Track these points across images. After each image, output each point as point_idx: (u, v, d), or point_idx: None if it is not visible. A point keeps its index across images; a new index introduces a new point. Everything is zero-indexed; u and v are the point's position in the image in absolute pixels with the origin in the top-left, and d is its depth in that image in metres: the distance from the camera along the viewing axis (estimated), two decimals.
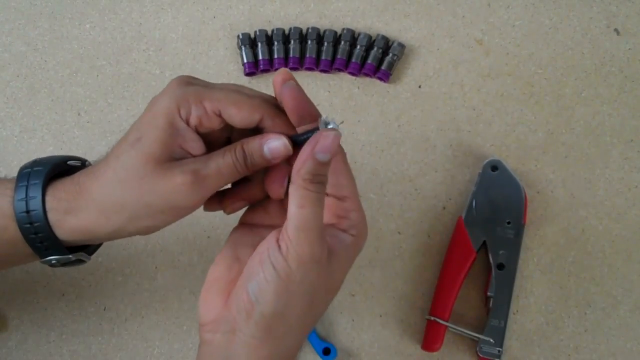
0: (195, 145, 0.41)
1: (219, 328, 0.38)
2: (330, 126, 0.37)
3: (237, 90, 0.41)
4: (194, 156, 0.41)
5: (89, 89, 0.67)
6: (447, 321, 0.57)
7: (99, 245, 0.48)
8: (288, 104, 0.40)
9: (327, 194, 0.40)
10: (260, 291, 0.36)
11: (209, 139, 0.42)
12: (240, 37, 0.67)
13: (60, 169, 0.44)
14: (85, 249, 0.46)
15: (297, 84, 0.40)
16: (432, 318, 0.57)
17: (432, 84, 0.66)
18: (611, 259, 0.60)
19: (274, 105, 0.41)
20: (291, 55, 0.66)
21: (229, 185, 0.44)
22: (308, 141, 0.37)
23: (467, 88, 0.66)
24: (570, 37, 0.67)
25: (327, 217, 0.41)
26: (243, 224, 0.44)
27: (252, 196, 0.44)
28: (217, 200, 0.44)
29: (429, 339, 0.57)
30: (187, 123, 0.40)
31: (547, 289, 0.60)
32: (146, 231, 0.42)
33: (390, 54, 0.66)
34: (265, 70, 0.67)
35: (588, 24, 0.67)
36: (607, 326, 0.59)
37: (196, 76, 0.69)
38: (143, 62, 0.68)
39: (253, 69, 0.66)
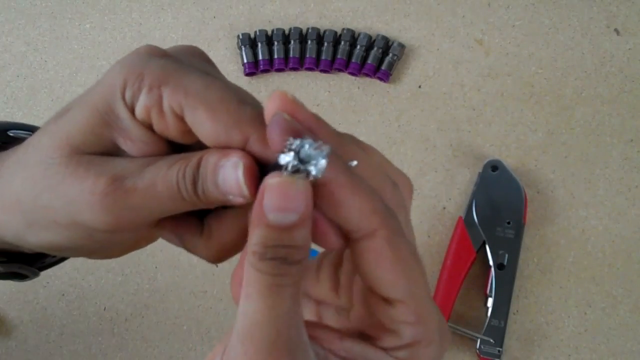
0: (137, 144, 0.27)
1: None
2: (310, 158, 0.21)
3: (225, 89, 0.26)
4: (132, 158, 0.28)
5: None
6: (447, 321, 0.57)
7: (57, 261, 0.37)
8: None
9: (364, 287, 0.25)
10: None
11: (174, 142, 0.28)
12: (240, 37, 0.67)
13: None
14: (30, 261, 0.35)
15: (290, 118, 0.24)
16: None
17: (432, 84, 0.66)
18: (611, 259, 0.60)
19: None
20: (291, 55, 0.66)
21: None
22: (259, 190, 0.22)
23: (467, 88, 0.66)
24: (570, 37, 0.67)
25: (359, 322, 0.26)
26: None
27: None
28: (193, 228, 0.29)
29: None
30: (133, 112, 0.27)
31: (547, 289, 0.60)
32: (50, 248, 0.30)
33: (390, 54, 0.66)
34: (266, 71, 0.67)
35: (588, 24, 0.67)
36: (607, 326, 0.59)
37: None
38: None
39: (253, 69, 0.66)
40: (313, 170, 0.21)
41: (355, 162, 0.23)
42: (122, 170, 0.27)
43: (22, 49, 0.69)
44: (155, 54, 0.28)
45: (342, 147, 0.24)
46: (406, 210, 0.26)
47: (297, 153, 0.21)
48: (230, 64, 0.67)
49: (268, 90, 0.66)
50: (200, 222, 0.28)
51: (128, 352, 0.60)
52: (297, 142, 0.21)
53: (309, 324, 0.24)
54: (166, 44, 0.68)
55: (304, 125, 0.23)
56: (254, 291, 0.22)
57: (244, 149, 0.25)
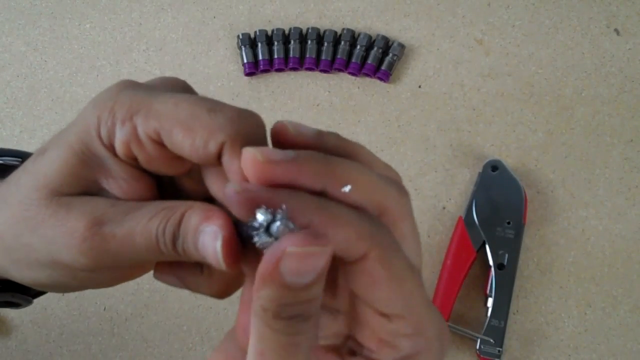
0: (119, 182, 0.27)
1: None
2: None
3: (195, 102, 0.25)
4: (118, 199, 0.27)
5: (89, 89, 0.67)
6: (447, 321, 0.57)
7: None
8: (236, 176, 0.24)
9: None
10: None
11: (159, 176, 0.27)
12: (240, 37, 0.67)
13: None
14: (23, 288, 0.35)
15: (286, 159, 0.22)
16: None
17: (432, 84, 0.66)
18: (611, 259, 0.60)
19: (246, 130, 0.25)
20: (291, 55, 0.66)
21: None
22: (268, 250, 0.20)
23: (467, 88, 0.66)
24: (570, 37, 0.67)
25: (353, 329, 0.25)
26: None
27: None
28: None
29: None
30: (113, 150, 0.26)
31: (547, 289, 0.60)
32: (33, 284, 0.30)
33: (390, 54, 0.66)
34: (266, 71, 0.67)
35: (588, 24, 0.67)
36: (607, 326, 0.59)
37: (196, 76, 0.69)
38: (143, 62, 0.68)
39: (253, 69, 0.66)
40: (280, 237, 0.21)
41: (348, 188, 0.23)
42: (102, 214, 0.26)
43: (22, 49, 0.69)
44: (128, 86, 0.27)
45: (333, 170, 0.23)
46: (411, 217, 0.25)
47: (266, 228, 0.21)
48: (230, 64, 0.67)
49: (268, 90, 0.66)
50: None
51: (128, 352, 0.60)
52: (263, 218, 0.21)
53: (316, 351, 0.24)
54: (166, 44, 0.68)
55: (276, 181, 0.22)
56: (269, 350, 0.21)
57: (220, 163, 0.25)
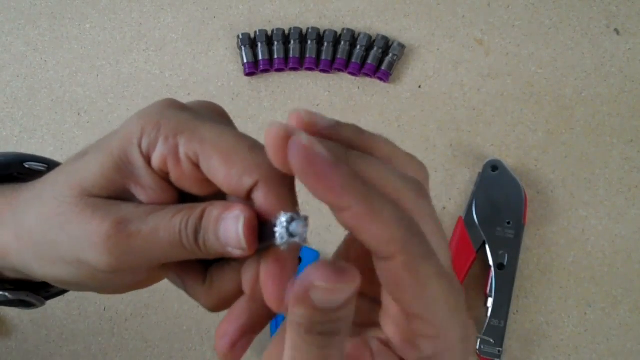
0: (148, 191, 0.28)
1: None
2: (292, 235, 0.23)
3: (239, 137, 0.27)
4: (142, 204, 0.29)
5: (89, 89, 0.67)
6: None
7: (62, 291, 0.38)
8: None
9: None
10: None
11: (184, 193, 0.29)
12: (240, 37, 0.67)
13: (9, 172, 0.35)
14: (37, 289, 0.36)
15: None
16: None
17: (432, 84, 0.66)
18: (611, 259, 0.60)
19: (280, 173, 0.24)
20: (291, 55, 0.66)
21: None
22: (300, 276, 0.22)
23: (467, 88, 0.66)
24: (570, 37, 0.67)
25: (391, 331, 0.26)
26: None
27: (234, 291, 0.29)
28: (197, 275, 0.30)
29: None
30: (149, 160, 0.28)
31: (547, 289, 0.60)
32: (54, 281, 0.31)
33: (390, 54, 0.66)
34: (266, 71, 0.67)
35: (588, 24, 0.67)
36: (607, 326, 0.59)
37: (196, 76, 0.69)
38: (143, 62, 0.68)
39: (253, 69, 0.66)
40: (298, 239, 0.23)
41: None
42: (127, 214, 0.28)
43: (22, 49, 0.69)
44: (173, 106, 0.29)
45: (357, 163, 0.24)
46: (431, 217, 0.25)
47: (286, 228, 0.23)
48: (230, 64, 0.67)
49: (268, 90, 0.66)
50: (204, 271, 0.29)
51: (128, 352, 0.60)
52: (287, 216, 0.23)
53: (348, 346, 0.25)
54: (166, 44, 0.68)
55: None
56: (302, 359, 0.23)
57: (249, 197, 0.26)
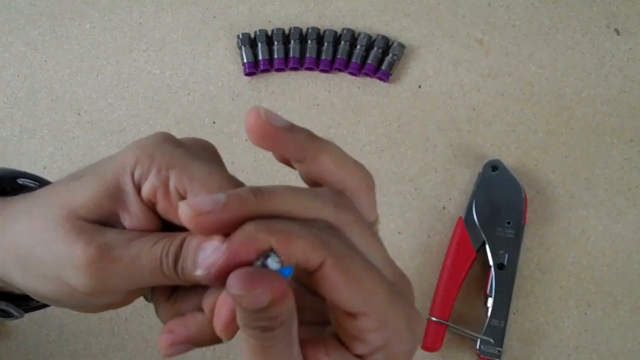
0: (134, 218, 0.30)
1: None
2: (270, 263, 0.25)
3: (226, 177, 0.29)
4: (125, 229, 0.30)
5: (89, 89, 0.67)
6: (447, 321, 0.57)
7: (42, 305, 0.39)
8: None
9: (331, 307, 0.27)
10: None
11: (166, 222, 0.30)
12: (240, 37, 0.67)
13: (2, 186, 0.36)
14: (17, 301, 0.37)
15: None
16: (432, 318, 0.57)
17: (432, 84, 0.66)
18: (611, 259, 0.60)
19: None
20: (291, 55, 0.66)
21: None
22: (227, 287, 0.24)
23: (467, 88, 0.66)
24: (570, 37, 0.67)
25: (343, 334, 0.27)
26: None
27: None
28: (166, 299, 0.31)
29: (429, 338, 0.57)
30: (139, 189, 0.29)
31: (547, 289, 0.60)
32: (33, 294, 0.32)
33: (390, 54, 0.66)
34: (266, 70, 0.67)
35: (588, 24, 0.67)
36: (607, 326, 0.59)
37: (196, 76, 0.69)
38: (143, 62, 0.68)
39: (253, 69, 0.66)
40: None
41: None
42: (110, 240, 0.29)
43: (22, 49, 0.69)
44: (169, 140, 0.30)
45: (264, 205, 0.26)
46: (358, 222, 0.27)
47: (262, 262, 0.25)
48: (230, 64, 0.67)
49: (268, 90, 0.66)
50: (171, 288, 0.31)
51: (128, 352, 0.60)
52: (261, 259, 0.25)
53: (303, 344, 0.26)
54: (166, 44, 0.68)
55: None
56: (245, 348, 0.25)
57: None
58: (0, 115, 0.67)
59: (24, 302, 0.38)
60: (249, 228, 0.25)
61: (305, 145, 0.28)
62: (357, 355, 0.27)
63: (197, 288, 0.30)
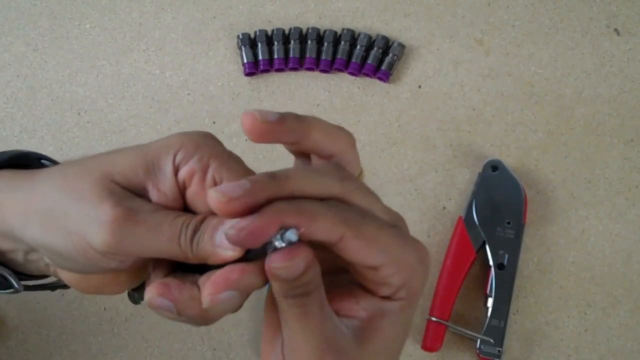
0: (162, 196, 0.32)
1: None
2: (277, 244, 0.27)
3: (261, 175, 0.30)
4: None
5: (89, 89, 0.67)
6: (447, 321, 0.57)
7: (40, 286, 0.40)
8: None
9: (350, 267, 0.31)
10: None
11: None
12: (240, 37, 0.67)
13: (28, 162, 0.38)
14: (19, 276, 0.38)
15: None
16: (432, 318, 0.57)
17: (432, 84, 0.66)
18: (611, 259, 0.60)
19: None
20: (291, 55, 0.66)
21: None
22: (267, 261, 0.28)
23: (467, 88, 0.66)
24: (570, 37, 0.67)
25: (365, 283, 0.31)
26: None
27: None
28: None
29: (429, 338, 0.57)
30: (176, 172, 0.32)
31: (547, 289, 0.60)
32: (46, 247, 0.33)
33: (390, 54, 0.66)
34: (266, 71, 0.67)
35: (588, 24, 0.67)
36: (607, 326, 0.59)
37: (196, 76, 0.69)
38: (143, 62, 0.68)
39: (253, 69, 0.66)
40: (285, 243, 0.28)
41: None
42: (137, 206, 0.31)
43: (22, 49, 0.69)
44: (212, 137, 0.33)
45: (282, 186, 0.28)
46: (359, 188, 0.30)
47: (281, 235, 0.27)
48: (230, 64, 0.67)
49: (268, 90, 0.66)
50: (170, 271, 0.33)
51: (128, 352, 0.60)
52: (280, 232, 0.27)
53: (331, 301, 0.30)
54: (166, 44, 0.68)
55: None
56: (290, 318, 0.29)
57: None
58: (0, 115, 0.67)
59: (23, 278, 0.39)
60: (282, 206, 0.27)
61: (296, 128, 0.31)
62: (382, 297, 0.30)
63: (195, 274, 0.31)
